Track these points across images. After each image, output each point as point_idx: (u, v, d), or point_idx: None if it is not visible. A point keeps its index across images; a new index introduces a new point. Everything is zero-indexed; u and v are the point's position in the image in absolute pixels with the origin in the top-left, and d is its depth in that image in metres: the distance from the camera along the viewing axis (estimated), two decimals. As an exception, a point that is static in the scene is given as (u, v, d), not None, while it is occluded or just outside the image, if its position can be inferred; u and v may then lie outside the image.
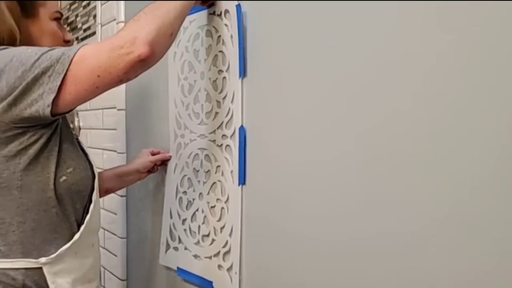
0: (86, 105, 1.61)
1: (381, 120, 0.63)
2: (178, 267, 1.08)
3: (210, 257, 0.97)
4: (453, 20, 0.54)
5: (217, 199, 0.96)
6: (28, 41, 0.82)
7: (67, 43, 0.89)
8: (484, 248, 0.52)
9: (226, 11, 0.90)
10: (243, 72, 0.87)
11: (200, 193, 1.01)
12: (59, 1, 0.90)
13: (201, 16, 0.98)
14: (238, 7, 0.87)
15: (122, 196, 1.37)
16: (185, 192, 1.06)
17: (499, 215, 0.51)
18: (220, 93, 0.94)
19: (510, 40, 0.49)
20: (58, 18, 0.87)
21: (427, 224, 0.58)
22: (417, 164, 0.59)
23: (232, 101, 0.90)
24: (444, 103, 0.56)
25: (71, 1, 1.70)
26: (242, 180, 0.89)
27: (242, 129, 0.88)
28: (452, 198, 0.55)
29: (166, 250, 1.12)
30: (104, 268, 1.48)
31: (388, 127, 0.62)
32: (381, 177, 0.63)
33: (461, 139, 0.54)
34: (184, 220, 1.06)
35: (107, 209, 1.45)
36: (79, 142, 0.90)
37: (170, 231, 1.11)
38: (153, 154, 1.13)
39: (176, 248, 1.09)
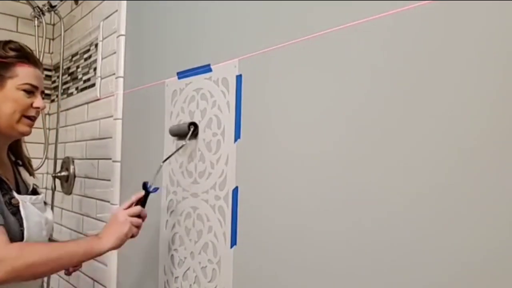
0: (83, 153, 1.63)
1: (368, 181, 0.65)
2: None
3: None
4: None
5: (208, 260, 0.95)
6: None
7: (36, 108, 0.98)
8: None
9: (224, 79, 0.93)
10: (239, 136, 0.89)
11: (191, 252, 1.01)
12: (33, 73, 0.97)
13: (197, 80, 1.01)
14: (239, 77, 0.89)
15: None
16: (176, 250, 1.06)
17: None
18: (214, 154, 0.95)
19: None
20: (26, 90, 0.95)
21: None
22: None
23: (226, 163, 0.92)
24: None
25: (73, 52, 1.75)
26: (234, 242, 0.89)
27: (235, 191, 0.89)
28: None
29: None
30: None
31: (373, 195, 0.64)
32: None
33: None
34: (176, 278, 1.05)
35: (98, 260, 1.43)
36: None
37: (163, 288, 1.10)
38: None
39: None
